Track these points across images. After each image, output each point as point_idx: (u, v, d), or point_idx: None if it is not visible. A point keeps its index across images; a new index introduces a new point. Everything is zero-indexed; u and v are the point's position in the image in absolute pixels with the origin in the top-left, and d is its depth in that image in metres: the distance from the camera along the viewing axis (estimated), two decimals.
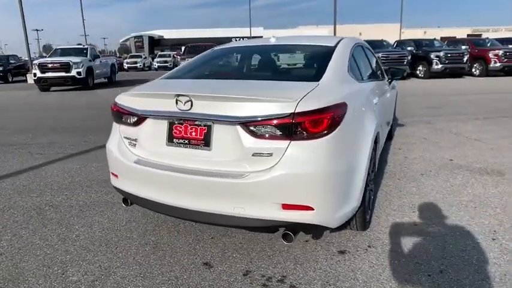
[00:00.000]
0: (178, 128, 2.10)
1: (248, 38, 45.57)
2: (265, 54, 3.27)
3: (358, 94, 2.49)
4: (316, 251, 2.41)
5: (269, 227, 2.01)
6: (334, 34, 22.29)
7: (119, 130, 2.41)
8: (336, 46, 2.75)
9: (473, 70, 16.42)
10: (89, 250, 2.48)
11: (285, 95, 1.93)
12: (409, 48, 17.44)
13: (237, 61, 3.25)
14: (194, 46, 17.59)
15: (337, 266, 2.23)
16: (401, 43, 19.06)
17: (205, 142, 2.03)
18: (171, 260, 2.34)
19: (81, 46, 16.96)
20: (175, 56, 33.12)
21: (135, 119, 2.25)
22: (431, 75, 15.88)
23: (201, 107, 1.98)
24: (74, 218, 2.99)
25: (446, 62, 15.53)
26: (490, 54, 15.78)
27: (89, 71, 14.72)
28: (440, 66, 15.56)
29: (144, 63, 34.67)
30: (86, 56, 14.97)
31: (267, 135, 1.88)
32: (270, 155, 1.88)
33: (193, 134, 2.05)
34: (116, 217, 2.98)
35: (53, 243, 2.58)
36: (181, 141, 2.09)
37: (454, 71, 15.86)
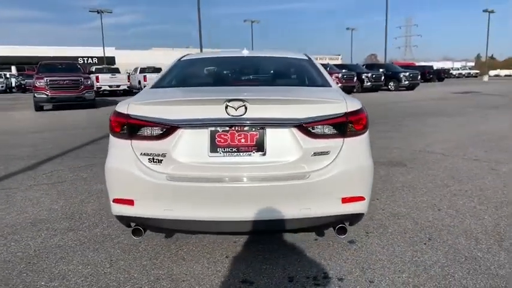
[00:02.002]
0: (222, 136, 1.95)
1: (99, 58, 41.99)
2: (253, 64, 3.26)
3: None
4: (331, 245, 2.58)
5: (327, 224, 2.08)
6: None
7: (131, 146, 2.04)
8: (308, 58, 3.05)
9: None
10: None
11: (329, 97, 2.07)
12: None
13: (228, 70, 3.15)
14: (47, 64, 15.29)
15: (358, 253, 2.46)
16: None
17: (258, 147, 1.96)
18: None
19: None
20: (13, 75, 27.64)
21: (162, 130, 1.96)
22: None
23: (255, 112, 1.91)
24: None
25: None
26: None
27: None
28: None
29: None
30: None
31: (324, 135, 1.97)
32: (328, 153, 1.98)
33: (243, 140, 1.95)
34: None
35: None
36: (227, 149, 1.95)
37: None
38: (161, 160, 1.98)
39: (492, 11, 40.18)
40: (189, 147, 1.97)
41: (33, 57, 39.24)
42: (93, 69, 23.19)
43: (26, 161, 5.30)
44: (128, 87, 22.08)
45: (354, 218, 2.14)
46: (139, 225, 2.08)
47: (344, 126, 2.00)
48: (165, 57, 44.42)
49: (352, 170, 2.02)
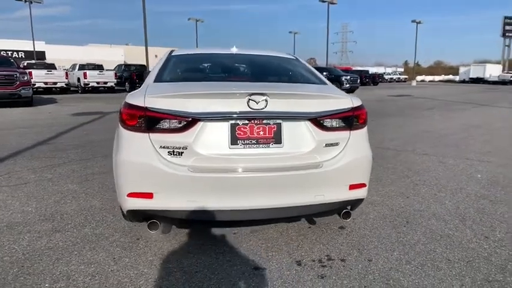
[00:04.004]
0: (242, 128, 2.03)
1: (26, 52, 38.31)
2: (252, 61, 3.31)
3: None
4: (324, 232, 2.78)
5: (335, 209, 2.25)
6: (146, 55, 22.10)
7: (149, 139, 2.02)
8: (296, 58, 3.24)
9: None
10: None
11: (336, 93, 2.26)
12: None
13: (229, 67, 3.15)
14: None
15: (351, 237, 2.69)
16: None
17: (276, 139, 2.07)
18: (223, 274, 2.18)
19: None
20: None
21: (183, 123, 1.98)
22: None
23: (274, 106, 2.02)
24: None
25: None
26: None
27: None
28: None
29: None
30: None
31: (334, 128, 2.15)
32: (337, 144, 2.16)
33: (262, 133, 2.05)
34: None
35: None
36: (247, 141, 2.04)
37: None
38: (182, 153, 2.01)
39: (420, 22, 44.42)
40: (209, 140, 2.02)
41: None
42: (25, 64, 21.11)
43: None
44: (65, 84, 20.51)
45: (357, 203, 2.36)
46: (157, 219, 2.07)
47: (350, 120, 2.21)
48: (102, 54, 41.86)
49: (358, 160, 2.23)
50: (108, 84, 20.81)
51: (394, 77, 55.83)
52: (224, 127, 2.03)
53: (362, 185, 2.27)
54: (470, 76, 48.52)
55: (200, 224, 2.74)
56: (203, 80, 2.73)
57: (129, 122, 2.06)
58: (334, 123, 2.16)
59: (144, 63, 24.69)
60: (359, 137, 2.29)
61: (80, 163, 4.81)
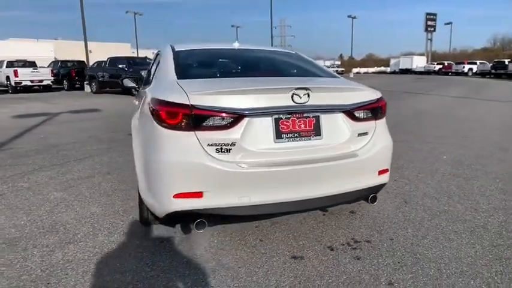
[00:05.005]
0: (285, 122, 2.08)
1: None
2: (266, 57, 3.29)
3: None
4: (339, 218, 2.94)
5: (366, 194, 2.39)
6: (86, 51, 20.55)
7: (196, 137, 1.97)
8: (295, 52, 3.34)
9: None
10: None
11: (360, 86, 2.39)
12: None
13: (245, 62, 3.11)
14: None
15: (365, 220, 2.88)
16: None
17: (316, 132, 2.16)
18: (264, 265, 2.22)
19: None
20: None
21: (231, 120, 1.97)
22: None
23: (314, 99, 2.10)
24: None
25: None
26: None
27: None
28: None
29: None
30: None
31: (363, 118, 2.29)
32: (367, 133, 2.31)
33: (303, 126, 2.12)
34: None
35: None
36: (290, 135, 2.09)
37: None
38: (230, 149, 2.00)
39: (355, 17, 47.22)
40: (255, 135, 2.04)
41: None
42: None
43: None
44: None
45: (381, 187, 2.54)
46: (206, 217, 2.04)
47: (376, 110, 2.36)
48: (28, 50, 37.85)
49: (384, 147, 2.40)
50: (45, 83, 19.03)
51: (333, 69, 58.51)
52: (268, 122, 2.07)
53: (386, 170, 2.46)
54: (400, 67, 52.82)
55: (243, 219, 2.74)
56: (231, 75, 2.70)
57: (170, 121, 1.99)
58: (364, 114, 2.31)
59: (81, 59, 23.02)
60: (382, 126, 2.46)
61: (53, 169, 4.43)
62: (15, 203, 3.32)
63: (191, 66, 2.81)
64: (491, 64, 33.65)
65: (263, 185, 2.02)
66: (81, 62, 22.20)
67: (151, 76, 3.19)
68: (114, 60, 17.17)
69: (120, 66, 16.34)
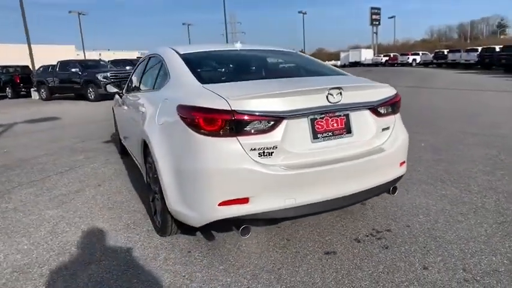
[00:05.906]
0: (319, 122, 2.13)
1: None
2: (277, 57, 3.29)
3: None
4: (352, 210, 3.05)
5: (390, 186, 2.50)
6: (30, 54, 18.96)
7: (239, 143, 1.94)
8: (296, 51, 3.39)
9: None
10: None
11: (376, 83, 2.49)
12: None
13: (260, 64, 3.09)
14: None
15: (378, 210, 3.02)
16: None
17: (347, 129, 2.22)
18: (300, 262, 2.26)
19: None
20: None
21: (271, 123, 1.97)
22: None
23: (345, 98, 2.16)
24: None
25: None
26: None
27: None
28: None
29: None
30: None
31: (385, 113, 2.40)
32: (388, 128, 2.42)
33: (335, 125, 2.18)
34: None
35: None
36: (325, 134, 2.14)
37: None
38: (272, 152, 1.99)
39: (305, 13, 48.41)
40: (294, 137, 2.06)
41: None
42: None
43: None
44: None
45: (401, 178, 2.67)
46: (251, 222, 2.02)
47: (395, 105, 2.48)
48: None
49: (403, 140, 2.53)
50: None
51: None
52: (305, 123, 2.10)
53: (404, 162, 2.60)
54: (350, 60, 55.09)
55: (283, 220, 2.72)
56: (255, 78, 2.65)
57: (210, 127, 1.94)
58: (386, 109, 2.41)
59: (24, 63, 21.29)
60: (399, 120, 2.59)
61: (35, 185, 4.10)
62: (6, 226, 3.04)
63: (208, 70, 2.75)
64: (432, 54, 36.33)
65: (306, 185, 2.05)
66: (25, 67, 20.56)
67: (154, 81, 3.07)
68: (65, 64, 16.11)
69: (73, 70, 15.37)
